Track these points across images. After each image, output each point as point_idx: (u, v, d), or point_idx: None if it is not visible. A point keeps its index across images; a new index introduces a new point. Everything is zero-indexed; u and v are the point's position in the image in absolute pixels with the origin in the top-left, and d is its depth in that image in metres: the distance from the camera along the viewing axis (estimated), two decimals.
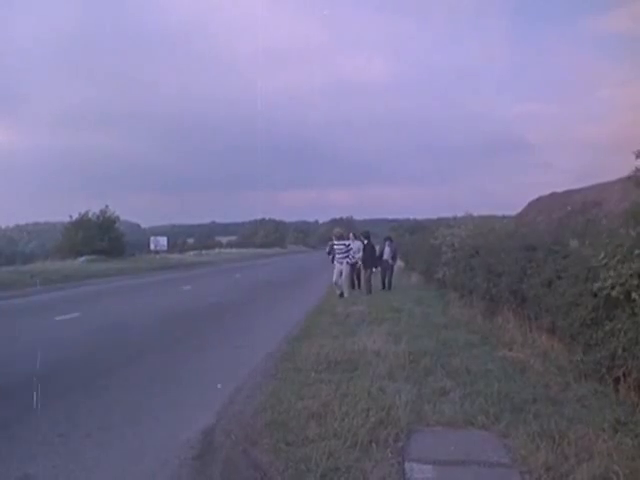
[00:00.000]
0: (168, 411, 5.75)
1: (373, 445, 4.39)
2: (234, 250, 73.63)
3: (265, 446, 4.50)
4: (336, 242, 15.79)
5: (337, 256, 15.60)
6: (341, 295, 15.25)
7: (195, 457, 4.48)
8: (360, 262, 16.51)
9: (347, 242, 15.89)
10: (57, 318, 12.51)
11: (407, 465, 4.12)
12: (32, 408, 5.80)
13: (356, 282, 17.24)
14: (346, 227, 18.69)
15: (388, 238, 18.95)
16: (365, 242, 16.65)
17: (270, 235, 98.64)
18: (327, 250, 17.67)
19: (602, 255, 5.63)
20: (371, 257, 16.42)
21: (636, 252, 5.13)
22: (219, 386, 6.53)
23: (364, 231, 17.62)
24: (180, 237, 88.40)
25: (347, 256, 15.41)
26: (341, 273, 15.43)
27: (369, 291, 16.00)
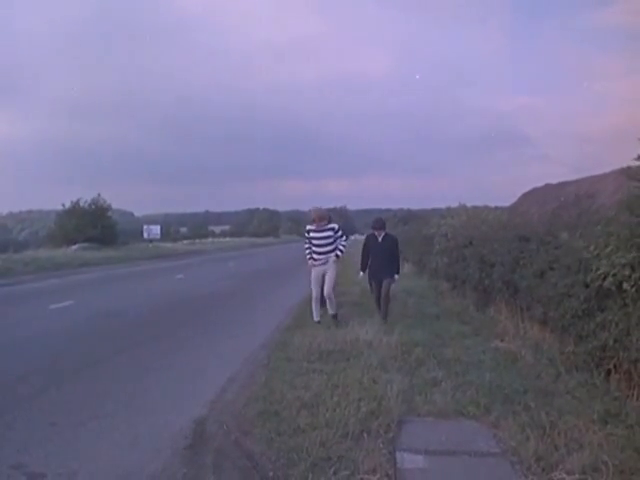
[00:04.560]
0: (161, 400, 5.76)
1: (364, 435, 4.42)
2: (227, 239, 73.62)
3: (257, 436, 4.53)
4: (314, 229, 9.59)
5: (317, 252, 9.58)
6: (333, 315, 9.56)
7: (188, 446, 4.50)
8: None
9: (334, 225, 9.71)
10: (51, 306, 12.49)
11: (398, 455, 4.15)
12: (24, 397, 5.80)
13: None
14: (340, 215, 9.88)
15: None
16: (382, 236, 10.04)
17: (264, 224, 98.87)
18: (305, 246, 9.90)
19: (593, 246, 5.65)
20: (391, 260, 10.00)
21: (635, 240, 5.14)
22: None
23: (377, 218, 10.64)
24: (173, 226, 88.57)
25: (335, 248, 9.57)
26: (323, 279, 9.50)
27: (385, 315, 9.75)
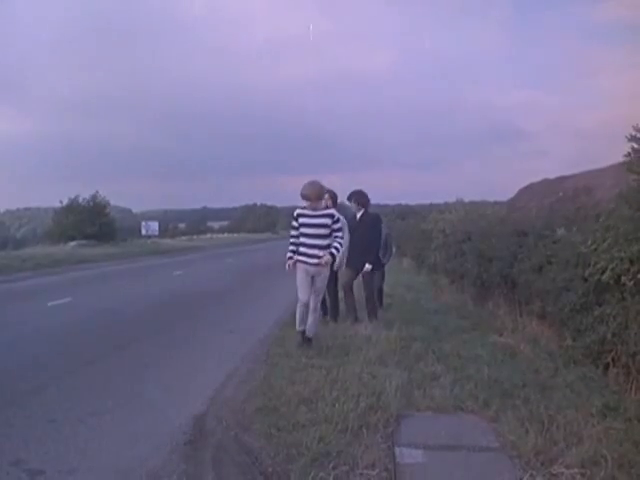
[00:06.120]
0: (160, 397, 5.75)
1: (363, 430, 4.41)
2: (226, 235, 73.75)
3: (256, 431, 4.52)
4: (307, 212, 7.10)
5: (307, 244, 7.09)
6: (307, 338, 7.25)
7: (187, 442, 4.49)
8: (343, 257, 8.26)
9: (332, 212, 7.25)
10: (49, 303, 12.47)
11: (397, 450, 4.14)
12: (23, 394, 5.79)
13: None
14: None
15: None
16: (360, 213, 8.70)
17: (262, 220, 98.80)
18: (292, 234, 7.35)
19: (591, 240, 5.66)
20: (367, 245, 8.54)
21: (631, 236, 5.14)
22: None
23: (355, 191, 8.83)
24: (172, 222, 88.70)
25: (330, 244, 7.09)
26: (313, 282, 7.13)
27: (353, 315, 8.63)
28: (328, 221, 7.02)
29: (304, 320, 7.19)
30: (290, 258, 7.14)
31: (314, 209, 7.02)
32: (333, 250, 7.05)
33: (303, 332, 7.17)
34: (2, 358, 7.54)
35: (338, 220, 7.15)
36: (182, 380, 6.34)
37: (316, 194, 6.98)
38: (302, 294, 7.09)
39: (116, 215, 49.22)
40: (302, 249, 7.10)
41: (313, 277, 7.09)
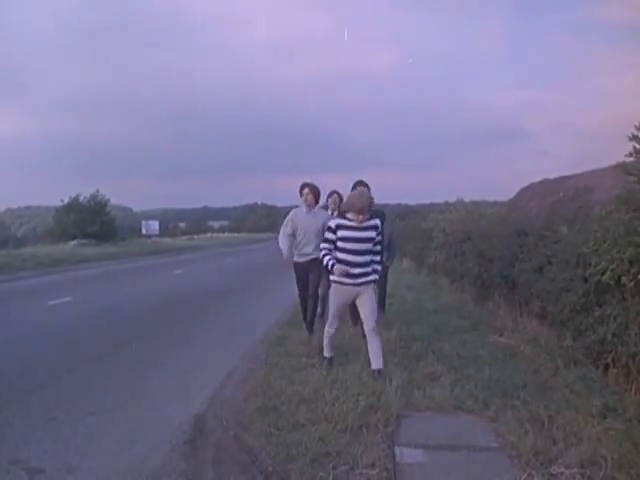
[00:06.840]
0: (160, 396, 5.75)
1: (363, 430, 4.42)
2: (226, 234, 73.87)
3: (256, 431, 4.52)
4: (351, 224, 5.87)
5: (353, 262, 5.89)
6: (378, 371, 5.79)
7: (187, 441, 4.50)
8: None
9: (377, 222, 6.07)
10: (49, 302, 12.47)
11: (397, 449, 4.15)
12: (23, 393, 5.80)
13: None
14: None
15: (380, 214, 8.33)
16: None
17: (262, 220, 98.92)
18: (324, 246, 6.10)
19: (592, 241, 5.65)
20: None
21: (632, 238, 5.14)
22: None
23: (361, 181, 7.66)
24: (172, 221, 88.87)
25: (371, 260, 6.03)
26: (353, 305, 6.33)
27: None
28: (373, 234, 5.95)
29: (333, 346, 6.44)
30: (333, 266, 5.90)
31: (361, 221, 5.89)
32: (376, 276, 6.14)
33: (331, 359, 6.35)
34: (2, 357, 7.54)
35: (380, 232, 6.13)
36: (182, 379, 6.34)
37: (371, 205, 6.01)
38: (336, 320, 6.27)
39: (116, 214, 49.26)
40: (346, 268, 5.92)
41: (354, 298, 6.07)
